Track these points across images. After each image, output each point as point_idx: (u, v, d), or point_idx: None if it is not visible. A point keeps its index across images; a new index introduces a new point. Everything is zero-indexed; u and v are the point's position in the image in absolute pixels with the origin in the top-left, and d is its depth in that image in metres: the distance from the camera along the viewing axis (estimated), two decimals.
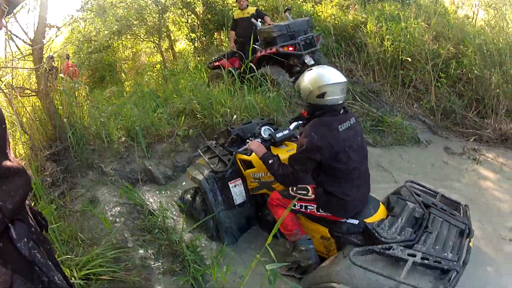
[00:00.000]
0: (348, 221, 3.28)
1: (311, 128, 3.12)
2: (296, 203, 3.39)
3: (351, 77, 7.81)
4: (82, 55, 10.78)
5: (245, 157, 3.94)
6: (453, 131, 6.98)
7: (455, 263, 2.72)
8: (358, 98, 7.21)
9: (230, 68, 6.89)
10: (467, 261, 2.84)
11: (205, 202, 4.17)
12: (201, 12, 12.13)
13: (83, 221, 4.08)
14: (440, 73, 7.26)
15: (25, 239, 1.67)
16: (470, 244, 3.05)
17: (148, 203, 4.62)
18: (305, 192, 3.45)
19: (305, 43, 6.90)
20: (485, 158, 6.09)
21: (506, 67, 6.79)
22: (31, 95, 5.21)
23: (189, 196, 4.51)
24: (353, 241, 3.26)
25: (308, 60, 6.76)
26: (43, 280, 1.69)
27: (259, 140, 3.85)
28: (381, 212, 3.37)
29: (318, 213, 3.34)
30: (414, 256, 2.72)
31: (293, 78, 6.82)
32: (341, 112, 3.22)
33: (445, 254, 2.82)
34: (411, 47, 7.44)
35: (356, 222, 3.26)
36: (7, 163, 1.66)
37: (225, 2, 11.99)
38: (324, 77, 3.14)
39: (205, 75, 8.13)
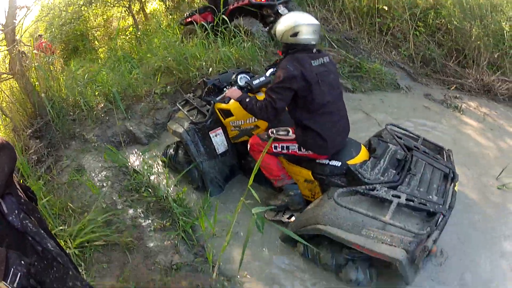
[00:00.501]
0: (330, 163, 3.29)
1: (286, 62, 3.15)
2: (278, 145, 3.37)
3: (327, 25, 7.55)
4: (54, 30, 10.54)
5: (224, 106, 3.87)
6: (434, 78, 6.89)
7: (440, 206, 2.70)
8: (334, 45, 7.02)
9: (203, 23, 6.69)
10: (453, 205, 2.82)
11: (188, 155, 4.11)
12: None
13: (71, 191, 4.02)
14: (418, 22, 7.11)
15: (16, 211, 1.68)
16: (455, 188, 3.03)
17: (132, 162, 4.60)
18: (285, 133, 3.44)
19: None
20: (467, 106, 6.03)
21: (487, 21, 6.65)
22: (8, 78, 5.16)
23: (171, 150, 4.44)
24: (336, 182, 3.25)
25: (282, 10, 6.51)
26: (37, 250, 1.71)
27: (235, 87, 3.75)
28: (363, 154, 3.35)
29: (300, 152, 3.31)
30: (399, 197, 2.70)
31: (267, 28, 6.63)
32: (314, 51, 3.27)
33: (430, 197, 2.81)
34: None
35: (338, 163, 3.25)
36: None
37: None
38: (297, 18, 3.20)
39: (178, 32, 7.88)
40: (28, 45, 6.11)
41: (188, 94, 4.60)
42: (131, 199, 3.86)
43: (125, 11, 12.12)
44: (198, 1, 9.96)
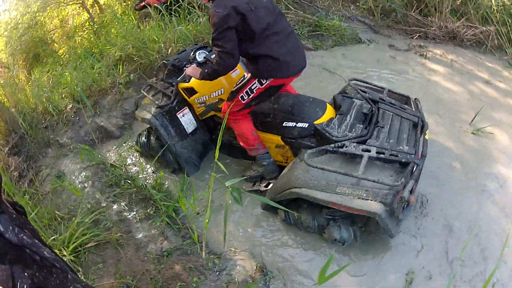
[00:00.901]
0: (297, 125, 3.29)
1: (213, 7, 3.05)
2: (243, 94, 3.34)
3: None
4: (13, 43, 10.38)
5: (186, 84, 3.85)
6: (396, 29, 6.78)
7: (412, 155, 2.69)
8: (290, 7, 6.85)
9: (156, 5, 6.55)
10: (425, 153, 2.81)
11: (160, 139, 4.07)
12: None
13: (56, 199, 4.02)
14: None
15: (11, 227, 1.73)
16: (426, 136, 3.01)
17: (109, 158, 4.58)
18: (241, 79, 3.45)
19: None
20: (433, 54, 6.00)
21: None
22: None
23: (143, 138, 4.39)
24: (306, 144, 3.26)
25: None
26: (36, 260, 1.76)
27: (194, 64, 3.72)
28: (329, 112, 3.33)
29: (263, 85, 3.25)
30: (369, 151, 2.70)
31: None
32: None
33: (401, 147, 2.79)
34: None
35: (305, 125, 3.26)
36: None
37: None
38: None
39: (134, 18, 7.75)
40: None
41: (151, 79, 4.56)
42: (113, 194, 3.86)
43: (79, 7, 11.91)
44: None
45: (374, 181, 2.46)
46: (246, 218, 3.52)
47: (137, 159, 4.52)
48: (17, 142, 4.96)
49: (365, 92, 3.37)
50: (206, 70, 3.32)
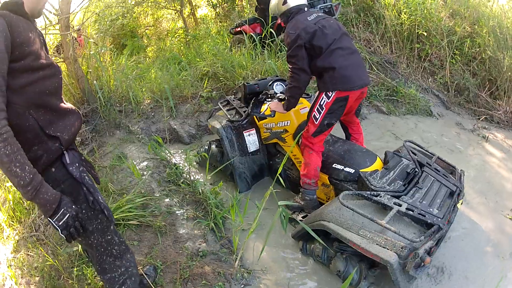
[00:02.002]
0: (345, 169, 3.72)
1: (287, 29, 3.74)
2: (315, 112, 3.79)
3: (369, 47, 7.99)
4: (103, 24, 11.13)
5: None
6: (465, 108, 7.13)
7: (439, 219, 2.94)
8: (374, 68, 7.45)
9: (251, 34, 7.22)
10: (452, 220, 3.13)
11: (220, 150, 4.75)
12: None
13: (112, 175, 4.55)
14: (455, 50, 7.37)
15: (77, 164, 2.19)
16: (458, 205, 3.32)
17: (173, 158, 5.06)
18: (314, 96, 4.07)
19: (324, 12, 7.04)
20: (494, 137, 6.26)
21: None
22: (58, 61, 5.51)
23: (206, 147, 5.02)
24: (348, 188, 3.67)
25: None
26: (88, 199, 2.19)
27: (276, 100, 4.30)
28: (377, 165, 3.73)
29: (330, 99, 3.67)
30: (400, 205, 2.94)
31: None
32: (306, 10, 3.85)
33: (431, 209, 3.05)
34: (428, 22, 7.53)
35: (352, 171, 3.68)
36: (63, 105, 2.19)
37: None
38: None
39: (227, 40, 8.43)
40: (82, 34, 6.71)
41: (230, 96, 5.25)
42: (168, 189, 4.38)
43: (175, 13, 12.78)
44: (247, 12, 10.48)
45: (395, 232, 2.68)
46: (281, 243, 3.94)
47: (199, 168, 5.05)
48: (88, 113, 5.53)
49: (415, 154, 3.71)
50: (287, 101, 3.92)
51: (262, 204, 2.92)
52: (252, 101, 4.50)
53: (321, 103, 3.72)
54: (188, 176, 4.60)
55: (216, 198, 4.17)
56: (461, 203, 3.46)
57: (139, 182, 4.33)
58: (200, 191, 4.30)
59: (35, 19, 2.16)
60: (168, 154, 4.97)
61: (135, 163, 4.75)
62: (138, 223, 3.84)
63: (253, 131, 4.67)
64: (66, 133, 2.13)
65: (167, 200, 4.23)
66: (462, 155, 5.65)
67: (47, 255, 3.48)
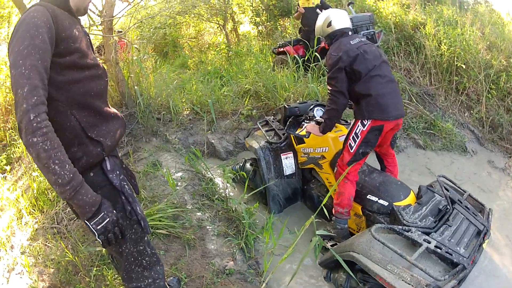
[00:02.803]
0: (379, 201, 3.74)
1: (330, 51, 3.82)
2: (351, 141, 3.83)
3: (409, 77, 8.03)
4: (144, 30, 11.34)
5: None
6: (498, 145, 7.07)
7: (465, 259, 2.93)
8: (414, 99, 7.47)
9: (295, 55, 7.28)
10: (476, 260, 3.10)
11: (254, 169, 4.83)
12: None
13: (145, 181, 4.60)
14: (491, 84, 7.36)
15: (117, 172, 2.15)
16: (483, 245, 3.30)
17: (209, 172, 5.07)
18: (349, 125, 4.15)
19: (366, 38, 7.08)
20: None
21: None
22: (101, 62, 5.64)
23: (240, 164, 5.12)
24: (380, 220, 3.71)
25: None
26: (126, 209, 2.14)
27: (313, 122, 4.32)
28: (410, 199, 3.74)
29: (365, 127, 3.72)
30: (429, 242, 2.95)
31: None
32: (350, 33, 3.92)
33: (458, 248, 3.03)
34: (466, 54, 7.54)
35: (386, 203, 3.69)
36: (108, 109, 2.16)
37: None
38: (329, 11, 4.00)
39: (270, 59, 8.53)
40: (124, 38, 6.84)
41: (269, 117, 5.29)
42: (201, 203, 4.40)
43: (218, 27, 12.97)
44: (290, 32, 10.58)
45: (422, 270, 2.67)
46: (308, 270, 3.91)
47: (235, 185, 5.06)
48: (126, 117, 5.57)
49: (447, 190, 3.71)
50: (325, 123, 3.93)
51: (301, 231, 2.90)
52: (290, 119, 4.55)
53: (357, 131, 3.77)
54: (223, 192, 4.62)
55: (250, 218, 4.17)
56: (487, 243, 3.44)
57: (173, 192, 4.36)
58: (234, 208, 4.33)
59: (80, 17, 2.15)
60: (207, 167, 4.97)
61: (169, 172, 4.75)
62: (167, 233, 3.86)
63: (291, 155, 4.69)
64: (109, 138, 2.10)
65: (199, 213, 4.24)
66: (492, 194, 5.60)
67: (66, 250, 3.53)
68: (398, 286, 2.74)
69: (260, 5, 12.54)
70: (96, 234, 1.89)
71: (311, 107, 4.67)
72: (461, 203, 3.59)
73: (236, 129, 6.08)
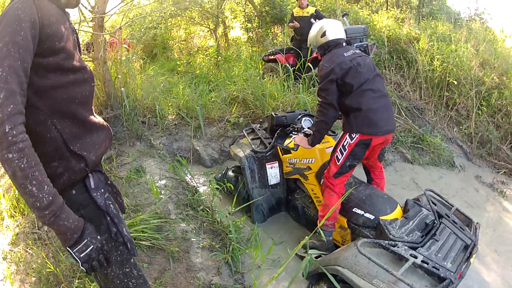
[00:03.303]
0: (365, 214, 3.69)
1: (322, 62, 3.82)
2: (338, 153, 3.81)
3: (399, 91, 8.12)
4: (135, 29, 11.21)
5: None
6: (486, 160, 7.19)
7: (452, 273, 2.92)
8: (403, 113, 7.55)
9: (286, 64, 7.21)
10: (463, 275, 3.06)
11: (236, 176, 4.80)
12: (259, 3, 12.51)
13: (128, 188, 4.44)
14: (482, 101, 7.47)
15: (102, 190, 1.94)
16: (471, 259, 3.25)
17: (193, 180, 4.96)
18: (334, 136, 4.34)
19: (359, 51, 7.10)
20: (511, 192, 6.26)
21: None
22: (87, 61, 5.45)
23: (223, 172, 5.06)
24: (366, 234, 3.68)
25: None
26: (111, 230, 1.93)
27: (301, 134, 4.29)
28: (397, 212, 3.71)
29: (353, 140, 3.69)
30: (416, 257, 2.94)
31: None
32: (343, 45, 3.92)
33: (445, 263, 3.04)
34: (459, 70, 7.65)
35: (372, 217, 3.65)
36: (93, 118, 1.95)
37: None
38: (323, 22, 4.02)
39: (260, 67, 8.47)
40: (114, 37, 6.67)
41: (256, 124, 5.23)
42: (186, 213, 4.27)
43: (208, 31, 12.88)
44: (280, 40, 10.55)
45: (408, 285, 2.65)
46: (299, 283, 3.78)
47: (221, 194, 4.87)
48: (110, 119, 5.40)
49: (435, 204, 3.71)
50: (314, 135, 3.90)
51: (293, 252, 2.82)
52: (277, 132, 4.50)
53: (344, 144, 3.75)
54: (209, 204, 4.48)
55: (236, 232, 4.04)
56: (474, 258, 3.39)
57: (156, 201, 4.22)
58: (219, 220, 4.21)
59: (69, 13, 1.93)
60: (192, 175, 4.90)
61: (152, 179, 4.61)
62: (151, 244, 3.71)
63: (276, 164, 4.64)
64: (94, 152, 1.89)
65: (183, 224, 4.10)
66: (479, 210, 5.66)
67: (47, 260, 3.37)
68: None
69: (253, 11, 12.50)
70: (80, 262, 1.69)
71: (299, 117, 4.64)
72: (449, 217, 3.59)
73: (222, 137, 5.97)
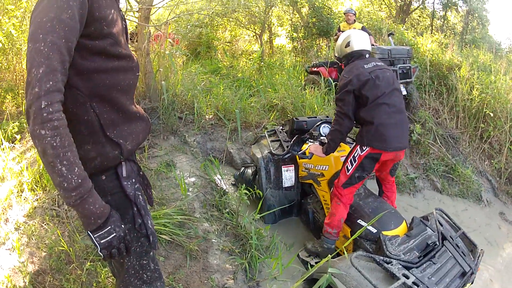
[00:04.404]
0: (368, 227, 3.68)
1: (343, 72, 3.86)
2: (348, 164, 3.87)
3: (436, 118, 8.03)
4: (181, 25, 11.31)
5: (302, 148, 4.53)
6: None
7: None
8: (438, 140, 7.46)
9: (328, 78, 7.19)
10: None
11: (254, 172, 4.86)
12: (306, 14, 12.54)
13: (156, 180, 4.48)
14: None
15: (133, 180, 1.92)
16: None
17: (223, 182, 4.96)
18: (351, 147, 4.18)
19: (402, 72, 7.11)
20: None
21: None
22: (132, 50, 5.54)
23: (240, 171, 5.13)
24: (366, 246, 3.69)
25: (402, 89, 6.94)
26: (136, 221, 1.91)
27: (317, 142, 4.37)
28: (401, 229, 3.68)
29: (363, 153, 3.74)
30: (408, 277, 2.90)
31: None
32: (366, 56, 3.95)
33: (437, 287, 2.99)
34: (496, 102, 7.54)
35: (374, 230, 3.66)
36: (133, 107, 1.93)
37: (331, 11, 12.33)
38: (349, 32, 4.07)
39: (302, 77, 8.45)
40: (160, 30, 6.75)
41: (278, 126, 5.32)
42: (210, 213, 4.28)
43: (253, 35, 12.94)
44: (325, 53, 10.51)
45: None
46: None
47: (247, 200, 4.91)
48: (147, 110, 5.44)
49: (441, 225, 3.64)
50: (329, 144, 3.94)
51: (311, 271, 2.78)
52: (294, 138, 4.54)
53: (355, 155, 3.81)
54: (235, 207, 4.46)
55: (258, 240, 4.02)
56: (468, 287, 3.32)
57: (183, 198, 4.23)
58: (243, 225, 4.20)
59: None
60: (222, 178, 4.91)
61: (183, 175, 4.64)
62: (170, 239, 3.73)
63: (292, 168, 4.74)
64: (130, 142, 1.86)
65: (206, 224, 4.11)
66: (497, 248, 5.54)
67: (62, 238, 3.41)
68: None
69: (300, 20, 12.52)
70: (99, 247, 1.65)
71: (319, 123, 4.68)
72: (452, 240, 3.53)
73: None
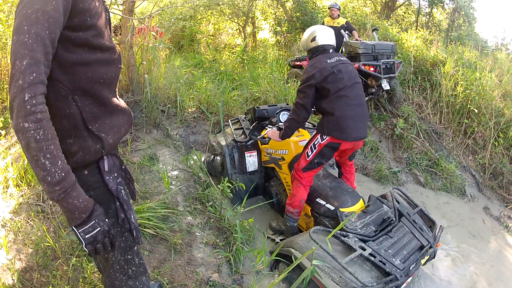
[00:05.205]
0: (326, 205, 4.03)
1: (307, 66, 4.01)
2: (308, 150, 4.10)
3: (420, 113, 8.11)
4: (165, 18, 11.24)
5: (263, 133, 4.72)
6: (497, 193, 7.15)
7: (398, 270, 2.99)
8: (421, 135, 7.56)
9: None
10: (410, 273, 3.11)
11: (214, 155, 5.22)
12: (290, 8, 12.56)
13: (139, 174, 4.45)
14: (500, 132, 7.44)
15: (115, 174, 1.91)
16: (422, 261, 3.31)
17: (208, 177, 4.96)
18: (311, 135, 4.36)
19: (385, 67, 7.13)
20: None
21: None
22: (115, 43, 5.44)
23: (209, 159, 5.28)
24: (325, 223, 3.98)
25: (385, 84, 7.03)
26: (119, 216, 1.92)
27: (275, 128, 4.56)
28: (357, 206, 3.92)
29: (323, 141, 3.97)
30: (364, 249, 3.08)
31: (367, 97, 7.13)
32: (330, 51, 4.06)
33: (393, 259, 3.10)
34: (480, 99, 7.66)
35: (332, 208, 3.95)
36: (115, 100, 1.92)
37: (316, 5, 12.38)
38: (315, 27, 4.20)
39: (285, 71, 8.46)
40: (143, 23, 6.71)
41: (241, 115, 5.53)
42: (194, 207, 4.28)
43: (237, 29, 12.91)
44: None
45: (351, 273, 2.79)
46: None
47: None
48: (130, 103, 5.38)
49: (398, 202, 3.79)
50: (284, 130, 4.16)
51: (286, 271, 2.77)
52: (254, 124, 4.91)
53: (315, 143, 4.04)
54: (219, 200, 4.47)
55: (242, 233, 4.05)
56: (425, 261, 3.47)
57: (167, 191, 4.22)
58: (226, 218, 4.21)
59: None
60: (205, 171, 4.96)
61: (165, 169, 4.62)
62: (154, 233, 3.72)
63: (254, 153, 5.03)
64: (112, 135, 1.85)
65: (189, 218, 4.11)
66: (482, 241, 5.64)
67: (47, 234, 3.37)
68: (325, 283, 2.93)
69: (284, 15, 12.52)
70: (84, 243, 1.66)
71: (279, 110, 4.92)
72: (410, 216, 3.67)
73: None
